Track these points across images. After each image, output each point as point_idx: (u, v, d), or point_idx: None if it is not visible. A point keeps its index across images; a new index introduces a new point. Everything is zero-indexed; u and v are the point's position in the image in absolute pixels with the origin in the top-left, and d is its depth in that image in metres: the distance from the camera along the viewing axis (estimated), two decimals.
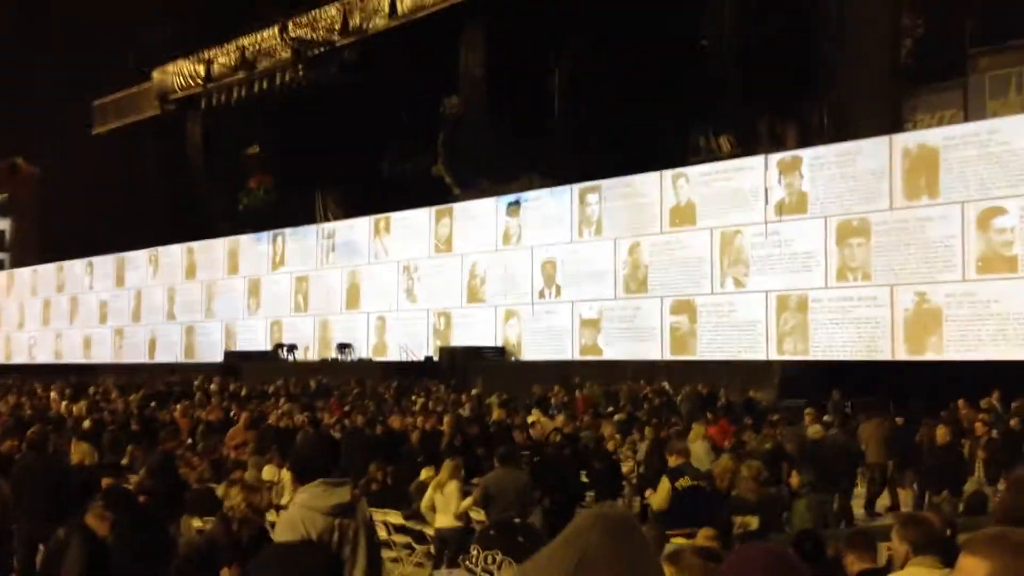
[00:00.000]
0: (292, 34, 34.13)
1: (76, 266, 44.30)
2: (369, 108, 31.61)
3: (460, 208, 30.14)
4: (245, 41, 36.34)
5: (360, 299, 32.37)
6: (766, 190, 22.94)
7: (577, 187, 26.86)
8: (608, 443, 12.52)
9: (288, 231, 35.37)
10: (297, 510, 4.31)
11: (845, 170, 21.73)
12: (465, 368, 25.78)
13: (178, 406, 17.07)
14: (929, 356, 19.93)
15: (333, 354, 31.22)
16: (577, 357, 26.08)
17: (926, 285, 20.19)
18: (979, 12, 22.98)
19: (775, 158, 23.22)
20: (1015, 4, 22.29)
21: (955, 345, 19.61)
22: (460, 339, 28.74)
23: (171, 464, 9.35)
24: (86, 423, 13.71)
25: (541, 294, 27.39)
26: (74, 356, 42.61)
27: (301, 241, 34.79)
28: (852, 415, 16.00)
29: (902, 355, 20.38)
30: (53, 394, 21.44)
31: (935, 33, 23.81)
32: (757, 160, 23.56)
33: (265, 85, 35.70)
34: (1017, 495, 3.24)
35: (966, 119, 22.12)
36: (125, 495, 6.22)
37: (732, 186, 23.62)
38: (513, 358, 27.51)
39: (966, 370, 18.11)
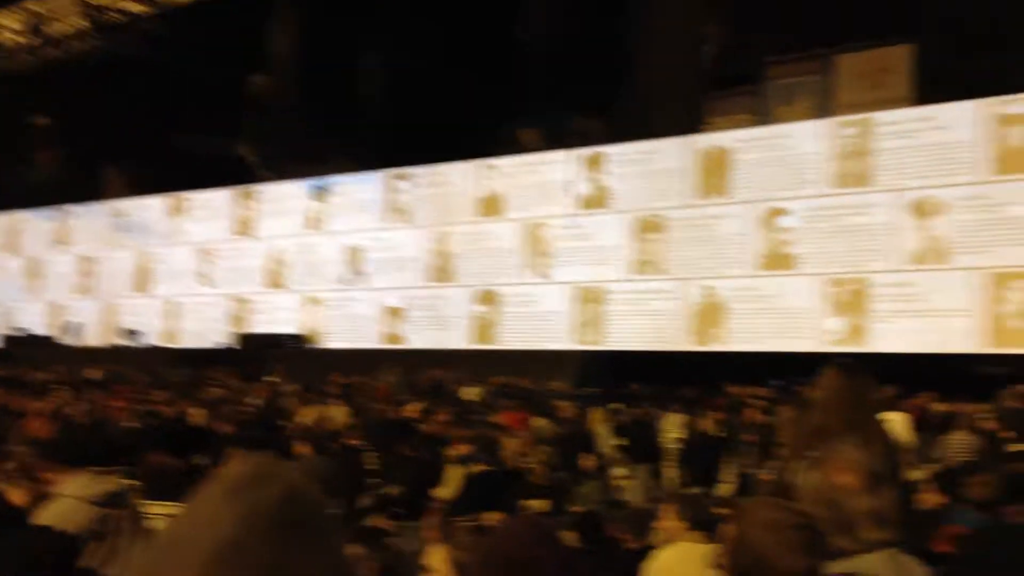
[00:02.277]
0: (88, 0, 32.04)
1: None
2: (168, 81, 30.08)
3: (263, 190, 29.20)
4: (36, 5, 33.80)
5: (151, 282, 30.79)
6: (571, 184, 23.44)
7: (386, 173, 26.56)
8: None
9: (75, 208, 33.19)
10: (61, 499, 4.17)
11: (645, 167, 22.50)
12: (262, 356, 24.97)
13: None
14: (714, 347, 20.93)
15: (119, 340, 29.53)
16: (380, 346, 25.78)
17: (714, 279, 21.18)
18: (774, 24, 24.29)
19: (581, 153, 23.73)
20: (806, 19, 23.68)
21: (738, 336, 20.69)
22: (259, 326, 27.85)
23: None
24: None
25: (345, 281, 26.90)
26: None
27: (89, 219, 32.73)
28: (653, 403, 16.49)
29: (690, 346, 21.30)
30: None
31: (734, 41, 25.00)
32: (564, 154, 24.01)
33: (56, 53, 33.35)
34: (781, 478, 3.38)
35: (757, 123, 23.33)
36: None
37: (539, 179, 24.00)
38: (313, 346, 26.90)
39: (747, 360, 19.12)
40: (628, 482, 11.97)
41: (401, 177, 26.38)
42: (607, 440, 12.23)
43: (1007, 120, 18.40)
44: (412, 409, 13.70)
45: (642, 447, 12.12)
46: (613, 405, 14.70)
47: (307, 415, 13.24)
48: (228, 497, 0.96)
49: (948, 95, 19.54)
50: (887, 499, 2.11)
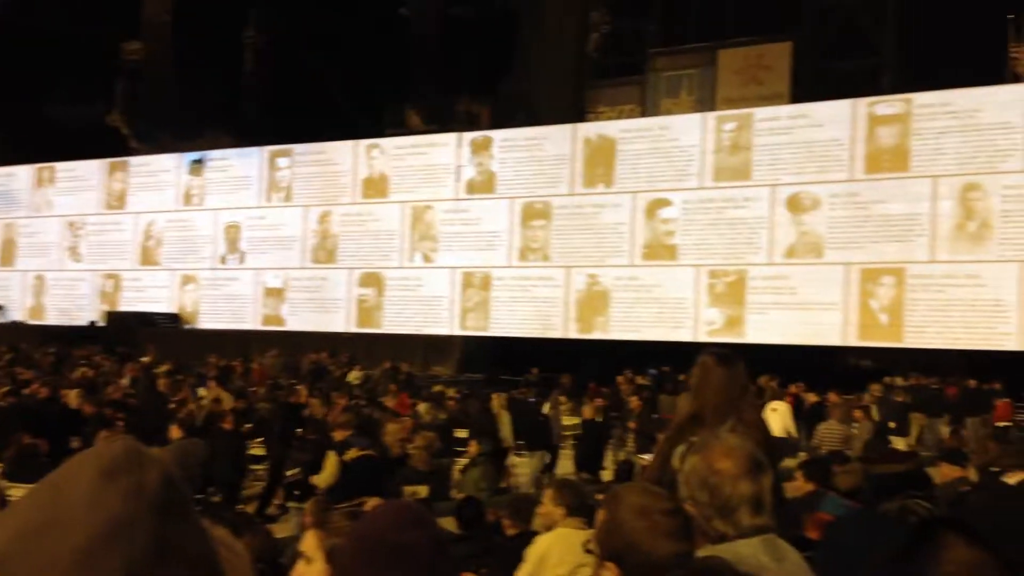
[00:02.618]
0: None
1: None
2: (36, 46, 28.55)
3: (137, 163, 28.11)
4: None
5: (16, 255, 29.30)
6: (458, 168, 23.32)
7: (267, 150, 25.91)
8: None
9: None
10: None
11: (532, 154, 22.55)
12: (135, 335, 24.07)
13: None
14: (597, 335, 21.19)
15: None
16: (259, 327, 25.19)
17: (597, 268, 21.43)
18: (659, 16, 24.68)
19: (468, 137, 23.64)
20: (691, 12, 24.13)
21: (620, 325, 21.00)
22: (131, 304, 26.84)
23: None
24: None
25: (223, 260, 26.16)
26: None
27: None
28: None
29: (573, 333, 21.52)
30: None
31: (620, 31, 25.30)
32: (450, 137, 23.87)
33: None
34: (658, 464, 3.42)
35: (642, 114, 23.68)
36: None
37: (425, 161, 23.79)
38: (188, 326, 26.09)
39: (628, 348, 19.45)
40: (521, 468, 12.03)
41: (282, 154, 25.77)
42: (506, 426, 12.24)
43: (878, 120, 19.14)
44: (294, 392, 13.42)
45: (533, 434, 12.17)
46: (499, 392, 14.72)
47: (183, 397, 12.83)
48: (108, 478, 0.94)
49: (824, 94, 20.24)
50: (765, 485, 2.13)
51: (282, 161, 25.75)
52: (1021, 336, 17.40)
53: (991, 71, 19.09)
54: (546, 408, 13.72)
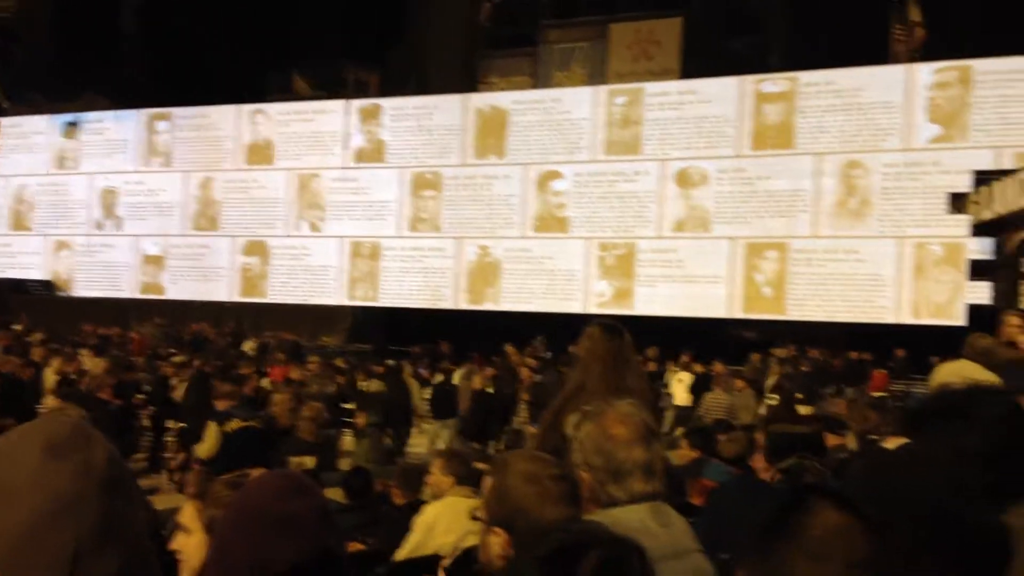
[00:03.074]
0: None
1: None
2: None
3: (8, 123, 26.72)
4: None
5: None
6: (346, 135, 22.92)
7: (146, 113, 24.95)
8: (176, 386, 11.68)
9: None
10: None
11: (422, 123, 22.30)
12: (6, 303, 22.99)
13: None
14: (487, 306, 21.20)
15: None
16: (137, 295, 24.35)
17: (488, 240, 21.40)
18: None
19: (356, 104, 23.22)
20: None
21: (511, 297, 21.05)
22: (1, 270, 25.58)
23: None
24: None
25: (99, 225, 25.14)
26: None
27: None
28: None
29: (464, 304, 21.47)
30: None
31: (512, 2, 25.19)
32: (338, 104, 23.40)
33: None
34: (546, 433, 3.43)
35: (534, 86, 23.68)
36: None
37: (312, 128, 23.29)
38: (62, 293, 25.03)
39: (519, 320, 19.52)
40: (420, 437, 12.01)
41: (161, 117, 24.84)
42: (417, 396, 12.20)
43: (765, 97, 19.58)
44: (175, 362, 13.04)
45: (441, 404, 12.16)
46: (388, 362, 14.59)
47: (57, 367, 12.28)
48: (55, 455, 0.98)
49: (713, 70, 20.58)
50: (657, 453, 2.15)
51: (162, 125, 24.84)
52: (898, 309, 18.14)
53: (874, 51, 19.71)
54: (456, 378, 13.68)
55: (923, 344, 15.11)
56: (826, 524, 1.22)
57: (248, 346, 18.19)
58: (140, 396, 11.26)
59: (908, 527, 1.49)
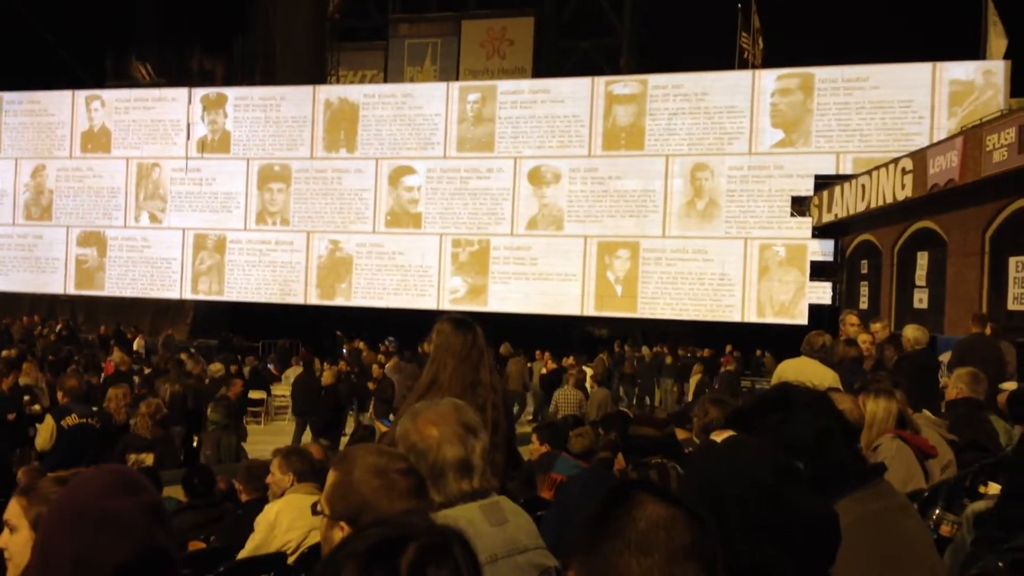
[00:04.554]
0: None
1: None
2: None
3: None
4: None
5: None
6: (188, 125, 22.16)
7: None
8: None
9: None
10: None
11: (269, 114, 21.77)
12: None
13: None
14: (339, 301, 20.90)
15: None
16: None
17: (340, 234, 21.09)
18: None
19: (199, 92, 22.47)
20: None
21: (363, 292, 20.81)
22: None
23: None
24: None
25: None
26: None
27: None
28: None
29: (314, 299, 21.10)
30: None
31: None
32: (181, 92, 22.58)
33: None
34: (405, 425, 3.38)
35: (386, 80, 23.48)
36: None
37: (153, 116, 22.40)
38: None
39: (370, 315, 19.34)
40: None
41: None
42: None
43: (615, 99, 19.99)
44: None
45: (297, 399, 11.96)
46: (232, 357, 14.21)
47: None
48: None
49: (565, 70, 20.92)
50: (476, 449, 2.11)
51: None
52: (744, 308, 18.86)
53: (722, 57, 20.39)
54: (284, 373, 13.42)
55: (768, 342, 15.81)
56: (649, 517, 1.25)
57: (138, 344, 17.57)
58: None
59: (736, 507, 1.57)
